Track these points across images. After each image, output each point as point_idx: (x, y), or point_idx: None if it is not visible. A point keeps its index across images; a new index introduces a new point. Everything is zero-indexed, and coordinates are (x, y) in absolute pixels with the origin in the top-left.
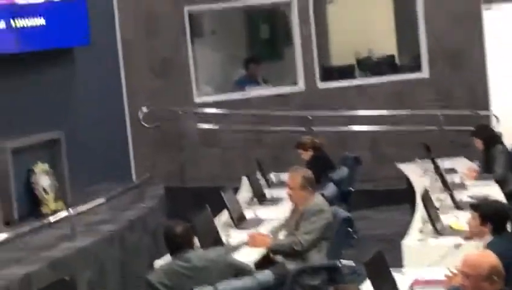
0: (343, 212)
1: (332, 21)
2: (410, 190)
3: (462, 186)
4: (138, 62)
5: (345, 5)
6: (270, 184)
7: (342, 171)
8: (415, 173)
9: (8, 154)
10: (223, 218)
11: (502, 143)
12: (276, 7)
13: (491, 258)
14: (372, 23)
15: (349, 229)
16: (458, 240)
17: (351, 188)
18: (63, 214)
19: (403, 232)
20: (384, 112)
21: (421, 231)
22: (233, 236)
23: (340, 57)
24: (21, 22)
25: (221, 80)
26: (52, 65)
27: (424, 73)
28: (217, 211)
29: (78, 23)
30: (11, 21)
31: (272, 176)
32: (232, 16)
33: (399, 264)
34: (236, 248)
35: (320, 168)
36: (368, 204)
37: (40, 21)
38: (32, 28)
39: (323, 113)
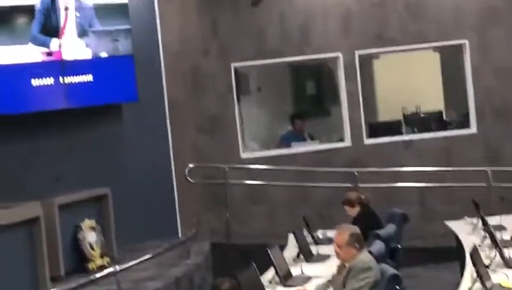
0: (390, 270)
1: (378, 77)
2: (459, 247)
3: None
4: (185, 118)
5: (391, 60)
6: (316, 241)
7: (390, 228)
8: (463, 230)
9: (56, 210)
10: (269, 275)
11: None
12: (322, 63)
13: None
14: (419, 79)
15: (397, 287)
16: None
17: (398, 245)
18: (109, 270)
19: None
20: (431, 168)
21: None
22: None
23: (386, 112)
24: (69, 79)
25: (267, 136)
26: (99, 121)
27: (472, 129)
28: (263, 269)
29: (126, 80)
30: (60, 77)
31: (319, 233)
32: (277, 73)
33: None
34: None
35: (367, 224)
36: (416, 261)
37: (88, 77)
38: (81, 84)
39: (369, 169)
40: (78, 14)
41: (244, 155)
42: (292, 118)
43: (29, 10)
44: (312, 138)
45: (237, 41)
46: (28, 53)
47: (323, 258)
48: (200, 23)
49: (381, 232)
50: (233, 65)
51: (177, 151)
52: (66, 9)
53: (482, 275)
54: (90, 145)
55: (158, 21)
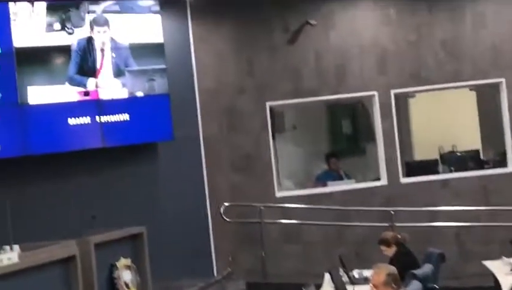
0: None
1: (414, 115)
2: (496, 287)
3: None
4: (220, 157)
5: (428, 99)
6: (352, 281)
7: (426, 268)
8: (501, 271)
9: (92, 249)
10: None
11: None
12: (357, 102)
13: None
14: (455, 118)
15: None
16: None
17: (435, 286)
18: None
19: None
20: (468, 208)
21: None
22: None
23: (423, 151)
24: (106, 118)
25: (302, 174)
26: (135, 160)
27: (510, 168)
28: None
29: (162, 119)
30: (96, 117)
31: (355, 272)
32: (313, 111)
33: None
34: None
35: (404, 264)
36: None
37: (124, 116)
38: (117, 123)
39: (406, 208)
40: (114, 55)
41: (279, 194)
42: (328, 156)
43: (65, 50)
44: (348, 177)
45: (273, 79)
46: (65, 93)
47: None
48: (235, 62)
49: (418, 272)
50: (268, 104)
51: (212, 190)
52: (102, 49)
53: None
54: (126, 184)
55: (194, 60)
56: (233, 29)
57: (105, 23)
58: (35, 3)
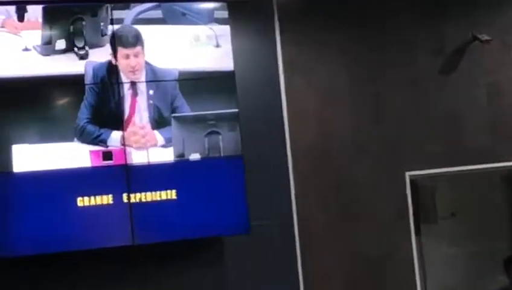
0: None
1: None
2: None
3: None
4: (325, 258)
5: None
6: None
7: None
8: None
9: None
10: None
11: None
12: None
13: None
14: None
15: None
16: None
17: None
18: None
19: None
20: None
21: None
22: None
23: None
24: (139, 196)
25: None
26: (189, 263)
27: None
28: None
29: (232, 198)
30: (124, 195)
31: None
32: (484, 188)
33: None
34: None
35: None
36: None
37: (169, 194)
38: (157, 205)
39: None
40: (152, 92)
41: None
42: (506, 264)
43: (74, 84)
44: None
45: (415, 133)
46: (72, 155)
47: None
48: (351, 104)
49: None
50: (408, 174)
51: None
52: (134, 83)
53: None
54: None
55: (284, 100)
56: (351, 50)
57: (137, 40)
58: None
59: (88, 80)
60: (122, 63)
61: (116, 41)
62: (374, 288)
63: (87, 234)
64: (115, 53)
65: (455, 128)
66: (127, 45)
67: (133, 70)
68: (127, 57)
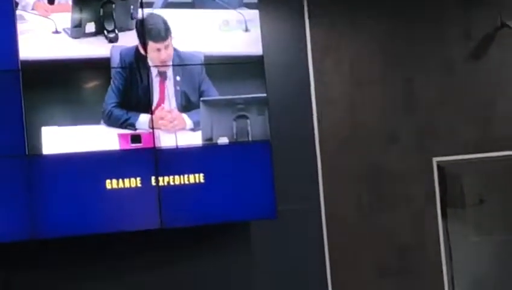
0: None
1: None
2: None
3: None
4: (354, 249)
5: None
6: None
7: None
8: None
9: None
10: None
11: None
12: None
13: None
14: None
15: None
16: None
17: None
18: None
19: None
20: None
21: None
22: None
23: None
24: (167, 179)
25: (494, 280)
26: (216, 246)
27: None
28: None
29: (259, 183)
30: (152, 178)
31: None
32: None
33: None
34: None
35: None
36: None
37: (197, 178)
38: (185, 188)
39: None
40: (179, 76)
41: None
42: None
43: (102, 67)
44: None
45: (444, 119)
46: (100, 138)
47: None
48: (382, 90)
49: None
50: (436, 160)
51: None
52: (161, 68)
53: None
54: (202, 288)
55: (312, 85)
56: (380, 35)
57: (167, 33)
58: None
59: (115, 64)
60: (152, 56)
61: (146, 35)
62: (401, 274)
63: (115, 216)
64: (143, 44)
65: (485, 115)
66: (158, 39)
67: (164, 62)
68: (158, 50)
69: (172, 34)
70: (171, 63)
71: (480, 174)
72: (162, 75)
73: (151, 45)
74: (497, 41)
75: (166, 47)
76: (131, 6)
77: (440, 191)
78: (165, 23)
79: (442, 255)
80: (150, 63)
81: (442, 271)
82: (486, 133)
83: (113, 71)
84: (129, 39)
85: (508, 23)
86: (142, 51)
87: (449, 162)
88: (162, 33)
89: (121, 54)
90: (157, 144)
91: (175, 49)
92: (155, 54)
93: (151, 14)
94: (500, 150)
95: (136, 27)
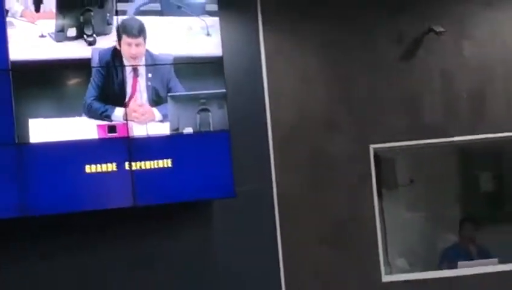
0: None
1: None
2: None
3: None
4: (301, 223)
5: None
6: None
7: None
8: None
9: None
10: None
11: None
12: (503, 146)
13: None
14: None
15: None
16: None
17: None
18: None
19: None
20: None
21: None
22: None
23: None
24: (139, 164)
25: (422, 250)
26: (180, 225)
27: None
28: None
29: (218, 166)
30: (126, 163)
31: None
32: (438, 159)
33: None
34: None
35: None
36: None
37: (165, 163)
38: (154, 172)
39: None
40: (151, 74)
41: (387, 278)
42: (461, 224)
43: (82, 67)
44: (487, 255)
45: (379, 111)
46: (81, 128)
47: None
48: (325, 86)
49: None
50: (373, 147)
51: (289, 271)
52: (135, 67)
53: None
54: (166, 257)
55: (265, 82)
56: (323, 39)
57: (140, 32)
58: None
59: (94, 63)
60: (124, 49)
61: (121, 30)
62: (343, 247)
63: (94, 196)
64: (119, 40)
65: (414, 108)
66: (131, 35)
67: (134, 58)
68: (129, 45)
69: (147, 37)
70: (143, 63)
71: (410, 158)
72: (135, 72)
73: (124, 39)
74: (424, 44)
75: (137, 44)
76: (108, 14)
77: (375, 173)
78: (140, 25)
79: (377, 228)
80: (126, 62)
81: (377, 242)
82: (415, 123)
83: (93, 70)
84: (106, 42)
85: (434, 28)
86: (117, 46)
87: (383, 149)
88: (135, 31)
89: (99, 55)
90: (131, 134)
91: (148, 51)
92: (126, 48)
93: (131, 16)
94: (427, 138)
95: (116, 27)
